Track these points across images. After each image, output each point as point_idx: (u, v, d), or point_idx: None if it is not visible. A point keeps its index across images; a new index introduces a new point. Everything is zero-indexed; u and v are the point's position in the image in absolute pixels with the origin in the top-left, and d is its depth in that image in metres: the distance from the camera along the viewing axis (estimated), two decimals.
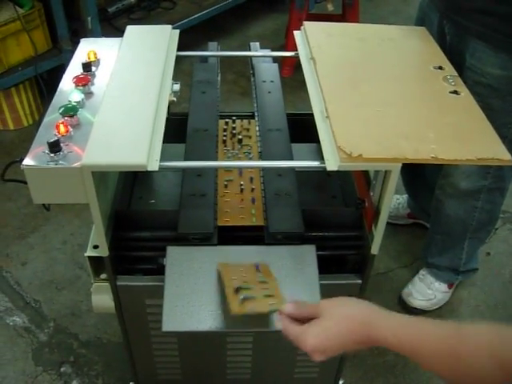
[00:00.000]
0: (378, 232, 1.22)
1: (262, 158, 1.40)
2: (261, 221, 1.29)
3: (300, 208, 1.28)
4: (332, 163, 1.07)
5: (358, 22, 3.30)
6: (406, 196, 2.45)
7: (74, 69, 1.30)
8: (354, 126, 1.13)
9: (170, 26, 1.47)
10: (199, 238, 1.22)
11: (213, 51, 1.69)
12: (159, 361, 1.57)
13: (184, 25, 3.17)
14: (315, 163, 1.12)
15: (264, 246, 1.23)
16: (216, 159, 1.40)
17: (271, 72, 1.66)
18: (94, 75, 1.28)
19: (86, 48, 1.36)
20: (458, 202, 1.88)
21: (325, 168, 1.07)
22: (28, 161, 1.05)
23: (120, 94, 1.21)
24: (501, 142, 1.11)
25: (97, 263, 1.28)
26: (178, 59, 1.40)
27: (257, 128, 1.49)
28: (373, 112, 1.17)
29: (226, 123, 1.58)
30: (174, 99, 1.34)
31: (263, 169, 1.40)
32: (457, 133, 1.13)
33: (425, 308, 2.14)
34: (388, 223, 1.22)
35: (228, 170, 1.44)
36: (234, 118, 1.60)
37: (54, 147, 1.05)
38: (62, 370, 1.93)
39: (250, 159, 1.47)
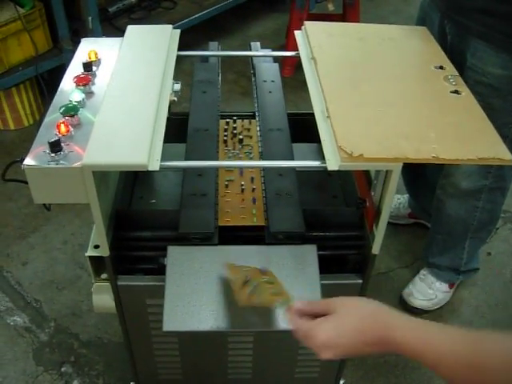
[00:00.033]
0: (379, 232, 1.22)
1: (262, 157, 1.40)
2: (262, 221, 1.29)
3: (301, 208, 1.27)
4: (333, 163, 1.07)
5: (358, 21, 3.29)
6: (406, 196, 2.45)
7: (74, 68, 1.30)
8: (354, 126, 1.12)
9: (170, 26, 1.47)
10: (200, 238, 1.22)
11: (213, 51, 1.69)
12: (160, 361, 1.57)
13: (185, 24, 3.17)
14: (316, 163, 1.12)
15: (265, 246, 1.23)
16: (217, 159, 1.40)
17: (272, 72, 1.66)
18: (94, 75, 1.28)
19: (87, 48, 1.36)
20: (459, 201, 1.88)
21: (326, 168, 1.07)
22: (29, 161, 1.05)
23: (121, 93, 1.21)
24: (502, 142, 1.11)
25: (97, 263, 1.28)
26: (179, 59, 1.40)
27: (258, 128, 1.49)
28: (374, 112, 1.17)
29: (227, 123, 1.58)
30: (175, 99, 1.34)
31: (264, 169, 1.40)
32: (458, 132, 1.13)
33: (426, 308, 2.14)
34: (389, 223, 1.22)
35: (229, 169, 1.44)
36: (234, 117, 1.60)
37: (55, 147, 1.05)
38: (62, 369, 1.93)
39: (251, 159, 1.47)
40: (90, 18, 2.80)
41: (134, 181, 1.52)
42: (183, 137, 1.43)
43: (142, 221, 1.29)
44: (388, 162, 1.06)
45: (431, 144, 1.08)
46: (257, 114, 1.53)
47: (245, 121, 1.60)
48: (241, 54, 1.77)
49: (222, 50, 1.76)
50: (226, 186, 1.40)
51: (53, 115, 1.16)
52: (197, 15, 3.30)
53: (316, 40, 1.42)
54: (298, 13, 3.22)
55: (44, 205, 1.26)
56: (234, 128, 1.57)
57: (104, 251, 1.22)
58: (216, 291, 1.17)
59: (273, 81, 1.63)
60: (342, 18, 3.34)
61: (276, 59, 1.73)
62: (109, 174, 1.27)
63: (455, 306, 2.20)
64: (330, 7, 3.24)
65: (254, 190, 1.39)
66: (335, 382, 1.69)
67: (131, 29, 1.47)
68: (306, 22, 1.51)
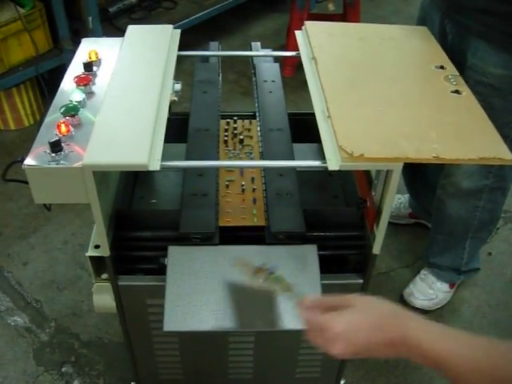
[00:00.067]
0: (380, 232, 1.21)
1: (263, 157, 1.40)
2: (262, 221, 1.29)
3: (301, 208, 1.27)
4: (333, 163, 1.07)
5: (359, 21, 3.29)
6: (407, 196, 2.45)
7: (75, 68, 1.30)
8: (355, 126, 1.12)
9: (171, 26, 1.47)
10: (200, 238, 1.22)
11: (214, 51, 1.68)
12: (160, 361, 1.57)
13: (185, 24, 3.17)
14: (317, 163, 1.12)
15: (265, 246, 1.23)
16: (217, 159, 1.40)
17: (272, 72, 1.66)
18: (95, 75, 1.28)
19: (87, 48, 1.36)
20: (460, 201, 1.88)
21: (326, 168, 1.07)
22: (29, 161, 1.05)
23: (121, 93, 1.21)
24: (502, 142, 1.11)
25: (98, 263, 1.28)
26: (179, 59, 1.40)
27: (258, 128, 1.49)
28: (374, 112, 1.17)
29: (228, 123, 1.58)
30: (175, 99, 1.34)
31: (264, 169, 1.40)
32: (458, 132, 1.13)
33: (426, 308, 2.13)
34: (389, 223, 1.22)
35: (229, 170, 1.44)
36: (235, 118, 1.60)
37: (55, 147, 1.05)
38: (63, 370, 1.93)
39: (252, 159, 1.47)
40: (90, 18, 2.80)
41: (134, 181, 1.52)
42: (184, 137, 1.43)
43: (142, 221, 1.29)
44: (389, 161, 1.06)
45: (432, 144, 1.08)
46: (257, 114, 1.53)
47: (245, 121, 1.60)
48: (241, 53, 1.77)
49: (223, 49, 1.75)
50: (227, 186, 1.40)
51: (53, 115, 1.16)
52: (197, 15, 3.30)
53: (316, 40, 1.42)
54: (299, 13, 3.22)
55: (44, 205, 1.26)
56: (235, 128, 1.57)
57: (104, 251, 1.22)
58: (217, 291, 1.17)
59: (273, 81, 1.63)
60: (342, 17, 3.34)
61: (276, 59, 1.73)
62: (109, 173, 1.27)
63: (456, 306, 2.20)
64: (331, 7, 3.24)
65: (254, 190, 1.39)
66: (336, 381, 1.69)
67: (131, 29, 1.47)
68: (306, 22, 1.51)
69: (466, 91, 1.26)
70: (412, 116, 1.17)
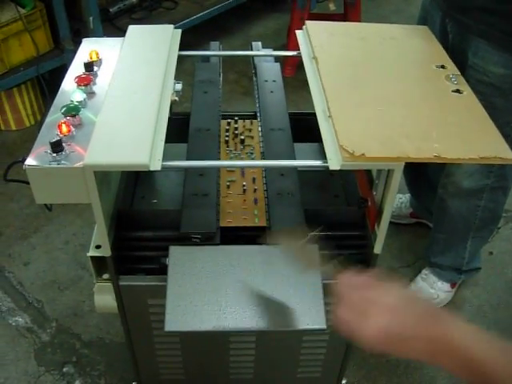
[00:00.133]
0: (381, 231, 1.21)
1: (264, 157, 1.40)
2: (263, 221, 1.29)
3: (302, 207, 1.27)
4: (334, 162, 1.07)
5: (359, 21, 3.29)
6: (408, 195, 2.45)
7: (75, 69, 1.30)
8: (356, 125, 1.12)
9: (171, 26, 1.47)
10: (201, 238, 1.22)
11: (215, 51, 1.69)
12: (162, 361, 1.57)
13: (186, 25, 3.17)
14: (318, 162, 1.12)
15: (267, 246, 1.22)
16: (218, 159, 1.40)
17: (273, 71, 1.66)
18: (95, 75, 1.28)
19: (88, 48, 1.36)
20: (461, 201, 1.88)
21: (327, 167, 1.07)
22: (30, 161, 1.05)
23: (122, 93, 1.21)
24: (503, 141, 1.11)
25: (99, 263, 1.28)
26: (180, 59, 1.40)
27: (259, 127, 1.49)
28: (375, 111, 1.17)
29: (229, 123, 1.58)
30: (176, 99, 1.33)
31: (265, 169, 1.40)
32: (459, 132, 1.13)
33: None
34: (390, 222, 1.22)
35: (230, 170, 1.44)
36: (236, 118, 1.60)
37: (56, 147, 1.05)
38: (64, 370, 1.93)
39: (253, 159, 1.47)
40: (91, 18, 2.80)
41: (135, 181, 1.52)
42: (184, 137, 1.43)
43: (143, 221, 1.29)
44: (390, 161, 1.06)
45: (433, 143, 1.08)
46: (258, 114, 1.53)
47: (246, 121, 1.60)
48: (242, 53, 1.77)
49: (224, 49, 1.76)
50: (228, 186, 1.40)
51: (54, 115, 1.16)
52: (198, 15, 3.31)
53: (317, 39, 1.42)
54: (299, 12, 3.22)
55: (45, 205, 1.26)
56: (236, 128, 1.56)
57: (106, 251, 1.22)
58: (218, 291, 1.17)
59: (274, 80, 1.63)
60: (343, 17, 3.34)
61: (277, 59, 1.73)
62: (110, 173, 1.27)
63: (457, 305, 2.20)
64: (331, 7, 3.24)
65: (255, 190, 1.39)
66: (337, 381, 1.69)
67: (132, 29, 1.47)
68: (307, 22, 1.51)
69: (466, 90, 1.26)
70: (413, 115, 1.17)
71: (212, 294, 1.16)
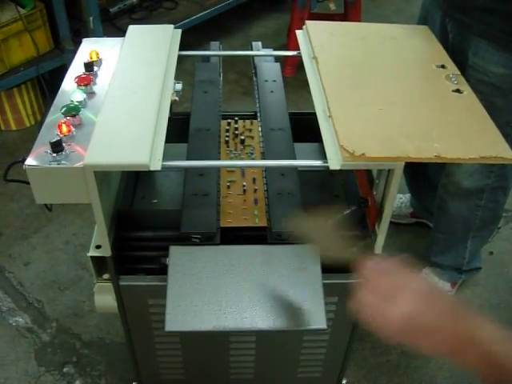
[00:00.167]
0: (381, 231, 1.21)
1: (264, 157, 1.40)
2: (264, 222, 1.29)
3: (303, 207, 1.27)
4: (335, 162, 1.07)
5: (360, 21, 3.29)
6: (408, 195, 2.45)
7: (76, 69, 1.30)
8: (356, 125, 1.12)
9: (171, 26, 1.47)
10: (202, 238, 1.22)
11: (215, 51, 1.69)
12: (162, 361, 1.57)
13: (186, 25, 3.17)
14: (318, 162, 1.12)
15: (267, 246, 1.23)
16: (218, 159, 1.40)
17: (273, 71, 1.66)
18: (96, 75, 1.28)
19: (88, 48, 1.36)
20: (461, 200, 1.88)
21: (327, 167, 1.07)
22: (30, 161, 1.05)
23: (122, 93, 1.21)
24: (504, 141, 1.11)
25: (99, 263, 1.28)
26: (180, 59, 1.40)
27: (259, 127, 1.49)
28: (375, 111, 1.17)
29: (229, 124, 1.58)
30: (176, 99, 1.34)
31: (266, 169, 1.40)
32: (460, 131, 1.13)
33: None
34: (391, 222, 1.22)
35: (230, 170, 1.44)
36: (236, 118, 1.60)
37: (57, 147, 1.05)
38: (64, 370, 1.93)
39: (253, 160, 1.47)
40: (91, 19, 2.80)
41: (135, 181, 1.52)
42: (185, 137, 1.43)
43: (143, 221, 1.29)
44: (390, 161, 1.06)
45: (433, 143, 1.08)
46: (258, 114, 1.53)
47: (246, 121, 1.60)
48: (242, 53, 1.77)
49: (224, 49, 1.75)
50: (228, 186, 1.39)
51: (54, 115, 1.16)
52: (198, 15, 3.30)
53: (317, 39, 1.42)
54: (300, 12, 3.22)
55: (45, 205, 1.26)
56: (236, 129, 1.56)
57: (106, 251, 1.22)
58: (218, 291, 1.17)
59: (274, 80, 1.63)
60: (343, 17, 3.34)
61: (277, 59, 1.73)
62: (110, 173, 1.27)
63: None
64: (332, 7, 3.24)
65: (255, 190, 1.39)
66: (338, 381, 1.69)
67: (132, 29, 1.47)
68: (307, 22, 1.51)
69: (467, 90, 1.26)
70: (413, 115, 1.17)
71: (212, 293, 1.16)
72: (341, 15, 3.36)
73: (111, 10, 3.17)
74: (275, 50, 1.69)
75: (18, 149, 2.79)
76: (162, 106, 1.19)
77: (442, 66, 1.34)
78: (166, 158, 1.08)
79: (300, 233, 1.11)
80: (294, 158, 1.38)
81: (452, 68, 1.34)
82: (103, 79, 1.27)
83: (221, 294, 1.16)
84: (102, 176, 1.12)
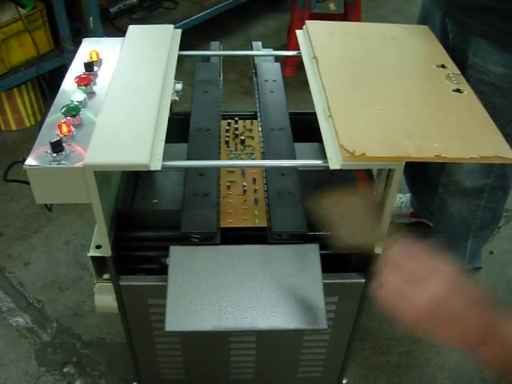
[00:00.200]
0: (382, 231, 1.21)
1: (264, 157, 1.39)
2: (264, 222, 1.29)
3: (303, 207, 1.27)
4: (335, 162, 1.07)
5: (360, 21, 3.29)
6: (408, 195, 2.45)
7: (76, 69, 1.30)
8: (356, 125, 1.12)
9: (171, 26, 1.47)
10: (202, 238, 1.22)
11: (215, 50, 1.68)
12: (162, 361, 1.57)
13: (186, 25, 3.17)
14: (318, 162, 1.12)
15: (267, 246, 1.22)
16: (218, 159, 1.40)
17: (273, 71, 1.66)
18: (96, 75, 1.28)
19: (88, 48, 1.36)
20: (462, 200, 1.88)
21: (328, 167, 1.07)
22: (30, 161, 1.05)
23: (122, 93, 1.21)
24: (504, 140, 1.11)
25: (99, 263, 1.28)
26: (180, 59, 1.40)
27: (259, 127, 1.49)
28: (375, 111, 1.17)
29: (229, 124, 1.58)
30: (177, 99, 1.34)
31: (266, 169, 1.40)
32: (460, 131, 1.13)
33: None
34: (391, 222, 1.22)
35: (231, 170, 1.44)
36: (236, 118, 1.60)
37: (57, 147, 1.05)
38: (65, 370, 1.93)
39: (253, 160, 1.47)
40: (91, 19, 2.80)
41: (135, 181, 1.52)
42: (185, 137, 1.43)
43: (143, 221, 1.29)
44: (390, 160, 1.06)
45: (433, 143, 1.08)
46: (258, 114, 1.53)
47: (246, 121, 1.60)
48: (242, 53, 1.77)
49: (224, 49, 1.75)
50: (228, 187, 1.39)
51: (54, 115, 1.16)
52: (198, 15, 3.30)
53: (318, 39, 1.42)
54: (300, 12, 3.22)
55: (45, 205, 1.26)
56: (236, 129, 1.56)
57: (106, 251, 1.21)
58: (218, 291, 1.17)
59: (274, 80, 1.62)
60: (343, 17, 3.34)
61: (277, 59, 1.73)
62: (110, 173, 1.27)
63: None
64: (332, 7, 3.24)
65: (256, 190, 1.38)
66: (338, 381, 1.69)
67: (132, 29, 1.47)
68: (307, 22, 1.51)
69: (467, 90, 1.26)
70: (413, 115, 1.17)
71: (212, 293, 1.16)
72: (341, 15, 3.36)
73: (111, 10, 3.17)
74: (275, 49, 1.69)
75: (18, 149, 2.79)
76: (162, 105, 1.19)
77: (443, 66, 1.34)
78: (166, 157, 1.08)
79: (329, 213, 1.08)
80: (294, 157, 1.38)
81: (452, 68, 1.34)
82: (103, 79, 1.27)
83: (221, 293, 1.16)
84: (102, 176, 1.11)
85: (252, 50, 1.70)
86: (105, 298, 1.35)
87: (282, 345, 1.53)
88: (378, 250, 1.25)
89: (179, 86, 1.35)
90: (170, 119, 1.19)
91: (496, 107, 1.49)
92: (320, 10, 3.50)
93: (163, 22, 3.11)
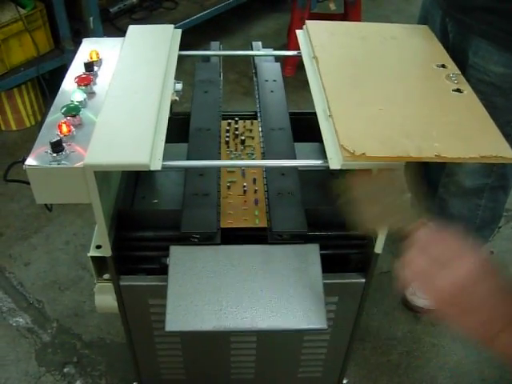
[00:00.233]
0: (381, 231, 1.21)
1: (264, 157, 1.39)
2: (264, 222, 1.29)
3: (303, 207, 1.27)
4: (335, 162, 1.07)
5: (360, 21, 3.29)
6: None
7: (76, 69, 1.30)
8: (356, 125, 1.12)
9: (171, 26, 1.47)
10: (202, 238, 1.22)
11: (215, 50, 1.68)
12: (162, 361, 1.57)
13: (186, 25, 3.17)
14: (318, 162, 1.12)
15: (268, 246, 1.22)
16: (219, 158, 1.40)
17: (274, 71, 1.66)
18: (96, 75, 1.28)
19: (88, 48, 1.36)
20: (462, 200, 1.88)
21: (328, 167, 1.07)
22: (30, 161, 1.05)
23: (122, 93, 1.21)
24: (504, 140, 1.11)
25: (100, 263, 1.28)
26: (180, 59, 1.40)
27: (260, 127, 1.49)
28: (376, 110, 1.17)
29: (229, 124, 1.58)
30: (177, 99, 1.34)
31: (266, 169, 1.40)
32: (460, 131, 1.13)
33: (429, 307, 2.13)
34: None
35: (231, 171, 1.44)
36: (236, 118, 1.60)
37: (57, 147, 1.05)
38: (65, 370, 1.93)
39: (253, 160, 1.47)
40: (91, 19, 2.80)
41: (135, 181, 1.52)
42: (185, 137, 1.43)
43: (144, 221, 1.29)
44: (390, 160, 1.06)
45: (434, 142, 1.08)
46: (259, 114, 1.53)
47: (247, 122, 1.60)
48: (242, 53, 1.77)
49: (224, 49, 1.75)
50: (228, 187, 1.39)
51: (54, 115, 1.16)
52: (198, 15, 3.30)
53: (318, 39, 1.42)
54: (300, 12, 3.22)
55: (46, 205, 1.26)
56: (236, 129, 1.56)
57: (106, 251, 1.21)
58: (218, 291, 1.17)
59: (274, 80, 1.62)
60: (343, 17, 3.34)
61: (278, 59, 1.73)
62: (111, 173, 1.27)
63: None
64: (332, 7, 3.24)
65: (256, 191, 1.38)
66: (338, 381, 1.69)
67: (132, 29, 1.47)
68: (307, 21, 1.51)
69: (467, 90, 1.26)
70: (413, 115, 1.17)
71: (213, 293, 1.16)
72: (341, 15, 3.36)
73: (111, 10, 3.17)
74: (275, 49, 1.69)
75: (19, 149, 2.80)
76: (162, 105, 1.19)
77: (443, 66, 1.34)
78: (166, 157, 1.08)
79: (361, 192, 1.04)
80: (294, 157, 1.38)
81: (452, 67, 1.33)
82: (103, 79, 1.27)
83: (221, 293, 1.16)
84: (103, 176, 1.11)
85: (252, 49, 1.70)
86: (105, 298, 1.35)
87: (283, 345, 1.53)
88: (377, 250, 1.25)
89: (179, 86, 1.35)
90: (170, 119, 1.19)
91: (496, 107, 1.49)
92: (320, 9, 3.50)
93: (163, 22, 3.11)
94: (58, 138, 1.06)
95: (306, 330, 1.35)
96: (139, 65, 1.32)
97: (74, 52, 1.38)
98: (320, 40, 1.41)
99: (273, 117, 1.49)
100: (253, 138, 1.54)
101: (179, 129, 1.45)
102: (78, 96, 1.19)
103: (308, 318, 1.15)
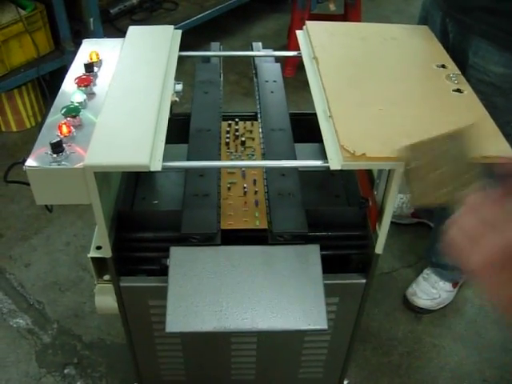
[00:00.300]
0: (382, 231, 1.21)
1: (265, 157, 1.39)
2: (264, 224, 1.28)
3: (303, 208, 1.27)
4: (335, 162, 1.06)
5: (360, 21, 3.29)
6: (409, 195, 2.44)
7: (76, 70, 1.30)
8: (357, 125, 1.12)
9: (172, 27, 1.47)
10: (202, 238, 1.22)
11: (215, 51, 1.68)
12: (163, 362, 1.56)
13: (186, 25, 3.17)
14: (318, 162, 1.12)
15: (268, 246, 1.22)
16: (219, 159, 1.39)
17: (274, 72, 1.66)
18: (96, 76, 1.28)
19: (88, 49, 1.36)
20: None
21: (328, 167, 1.07)
22: (30, 162, 1.04)
23: (122, 94, 1.21)
24: (504, 140, 1.11)
25: (100, 264, 1.28)
26: (181, 59, 1.40)
27: (260, 128, 1.49)
28: (376, 111, 1.17)
29: (229, 125, 1.58)
30: (177, 99, 1.33)
31: (266, 169, 1.40)
32: None
33: (429, 307, 2.13)
34: (392, 223, 1.22)
35: (231, 172, 1.44)
36: (236, 119, 1.60)
37: (57, 148, 1.04)
38: (65, 371, 1.93)
39: (253, 160, 1.47)
40: (91, 20, 2.81)
41: (136, 181, 1.52)
42: (185, 137, 1.42)
43: (144, 222, 1.29)
44: (391, 161, 1.06)
45: None
46: (259, 115, 1.53)
47: (247, 122, 1.60)
48: (242, 54, 1.77)
49: (224, 50, 1.75)
50: (229, 188, 1.39)
51: (54, 116, 1.16)
52: (198, 16, 3.31)
53: (318, 40, 1.42)
54: (300, 13, 3.22)
55: (46, 206, 1.25)
56: (236, 130, 1.56)
57: (106, 252, 1.21)
58: (219, 291, 1.16)
59: (275, 81, 1.62)
60: (343, 18, 3.34)
61: (278, 59, 1.72)
62: (111, 174, 1.27)
63: (459, 305, 2.19)
64: (332, 7, 3.24)
65: (256, 192, 1.38)
66: (339, 382, 1.69)
67: (132, 29, 1.47)
68: (307, 22, 1.51)
69: (467, 90, 1.26)
70: (414, 115, 1.17)
71: (213, 294, 1.16)
72: (341, 16, 3.36)
73: (111, 11, 3.17)
74: (275, 50, 1.69)
75: (19, 150, 2.80)
76: (163, 106, 1.19)
77: (443, 66, 1.34)
78: (166, 158, 1.08)
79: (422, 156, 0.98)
80: (294, 158, 1.38)
81: (452, 68, 1.33)
82: (103, 80, 1.27)
83: (221, 294, 1.16)
84: (103, 177, 1.11)
85: (252, 50, 1.70)
86: (105, 299, 1.35)
87: (283, 345, 1.52)
88: (378, 251, 1.25)
89: (179, 87, 1.35)
90: (170, 120, 1.18)
91: (496, 107, 1.49)
92: (320, 10, 3.50)
93: (163, 22, 3.10)
94: (58, 139, 1.06)
95: (307, 331, 1.35)
96: (139, 66, 1.32)
97: (74, 53, 1.38)
98: (320, 40, 1.41)
99: (273, 117, 1.49)
100: (253, 138, 1.53)
101: (179, 129, 1.44)
102: (78, 97, 1.19)
103: (308, 319, 1.15)
